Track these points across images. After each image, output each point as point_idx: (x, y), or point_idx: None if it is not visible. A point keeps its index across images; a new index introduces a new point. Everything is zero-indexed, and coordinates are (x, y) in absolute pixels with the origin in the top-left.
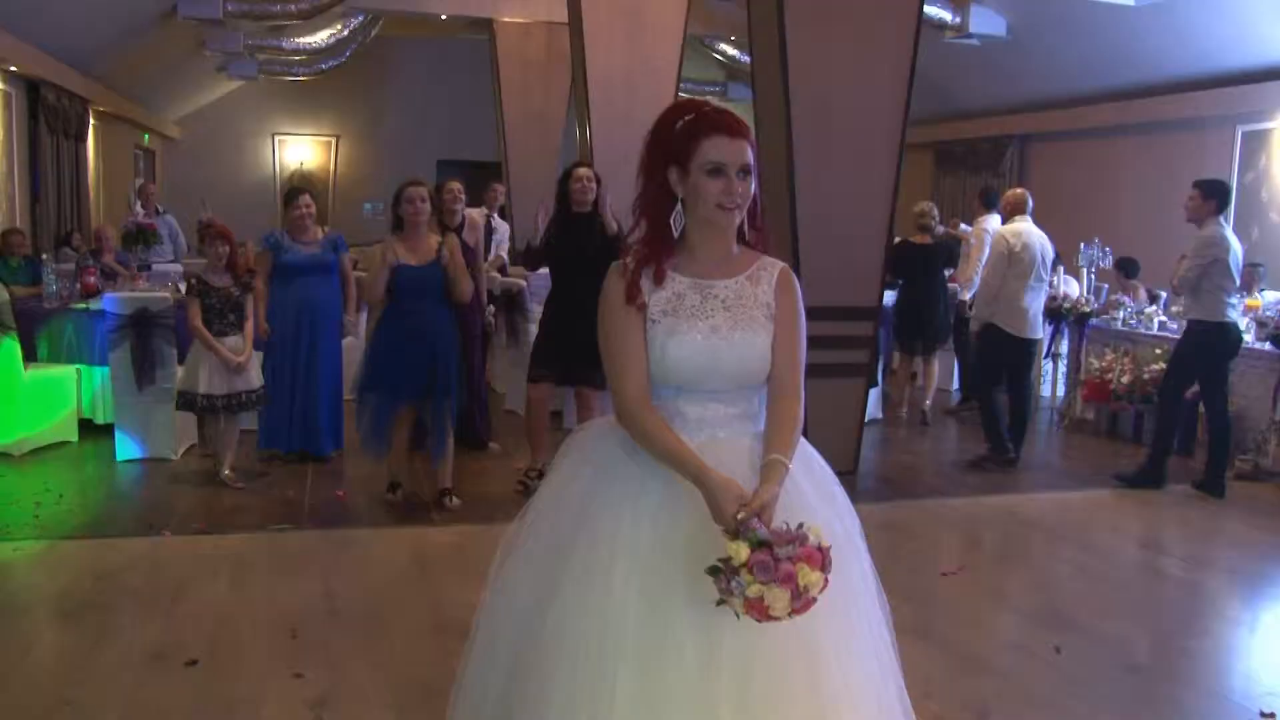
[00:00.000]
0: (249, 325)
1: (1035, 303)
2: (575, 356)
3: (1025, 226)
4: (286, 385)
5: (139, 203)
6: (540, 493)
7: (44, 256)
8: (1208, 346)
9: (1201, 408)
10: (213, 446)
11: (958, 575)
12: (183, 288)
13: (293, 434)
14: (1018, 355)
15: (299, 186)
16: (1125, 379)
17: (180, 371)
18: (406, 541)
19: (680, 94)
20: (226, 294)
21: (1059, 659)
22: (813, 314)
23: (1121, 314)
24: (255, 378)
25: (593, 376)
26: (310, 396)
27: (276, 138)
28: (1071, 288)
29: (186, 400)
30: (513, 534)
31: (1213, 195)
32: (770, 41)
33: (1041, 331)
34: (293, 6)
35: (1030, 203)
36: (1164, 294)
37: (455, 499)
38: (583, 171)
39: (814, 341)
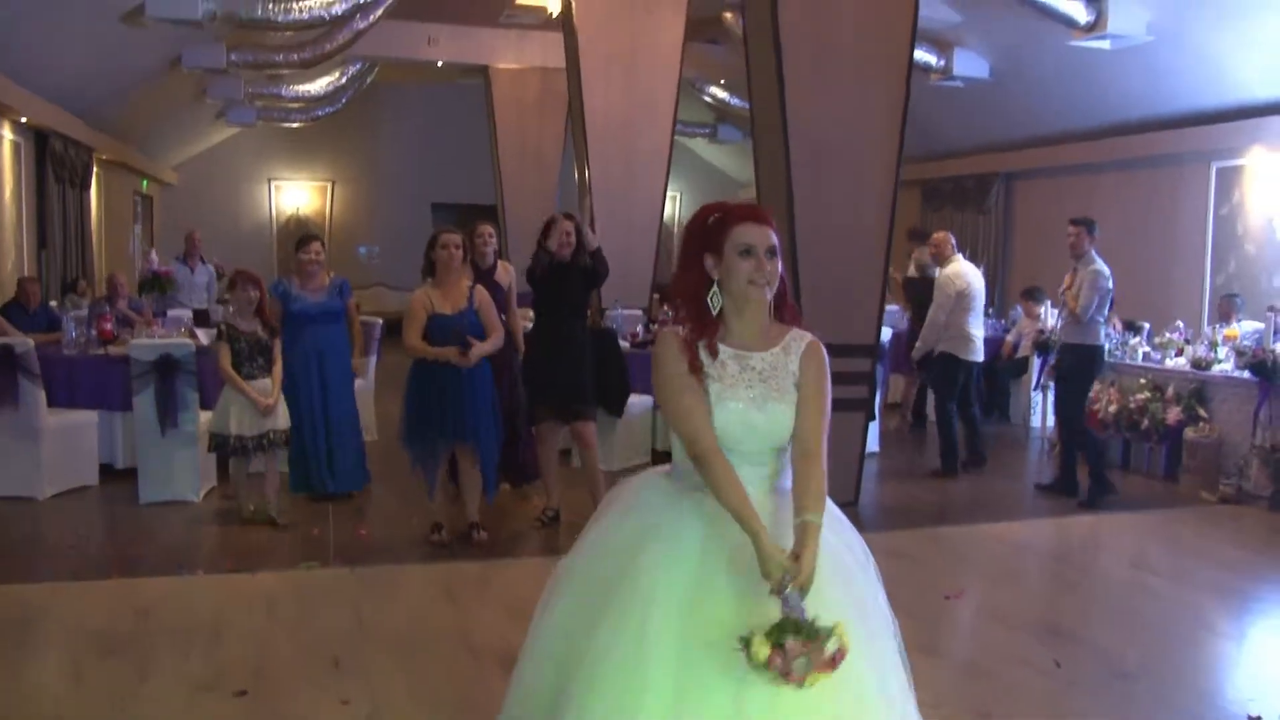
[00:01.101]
0: (276, 368)
1: (980, 330)
2: (567, 393)
3: (965, 267)
4: (305, 431)
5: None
6: (586, 536)
7: (53, 304)
8: (1089, 366)
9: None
10: (237, 488)
11: (960, 598)
12: (200, 333)
13: (317, 477)
14: (969, 377)
15: (311, 234)
16: (1112, 408)
17: (210, 415)
18: (433, 575)
19: (675, 136)
20: (255, 338)
21: (1057, 669)
22: None
23: (1107, 345)
24: (283, 418)
25: (585, 410)
26: (329, 440)
27: (273, 183)
28: (1054, 320)
29: (219, 442)
30: (557, 575)
31: (1092, 232)
32: (769, 87)
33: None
34: (294, 56)
35: (954, 241)
36: (1145, 325)
37: (483, 532)
38: (566, 225)
39: None
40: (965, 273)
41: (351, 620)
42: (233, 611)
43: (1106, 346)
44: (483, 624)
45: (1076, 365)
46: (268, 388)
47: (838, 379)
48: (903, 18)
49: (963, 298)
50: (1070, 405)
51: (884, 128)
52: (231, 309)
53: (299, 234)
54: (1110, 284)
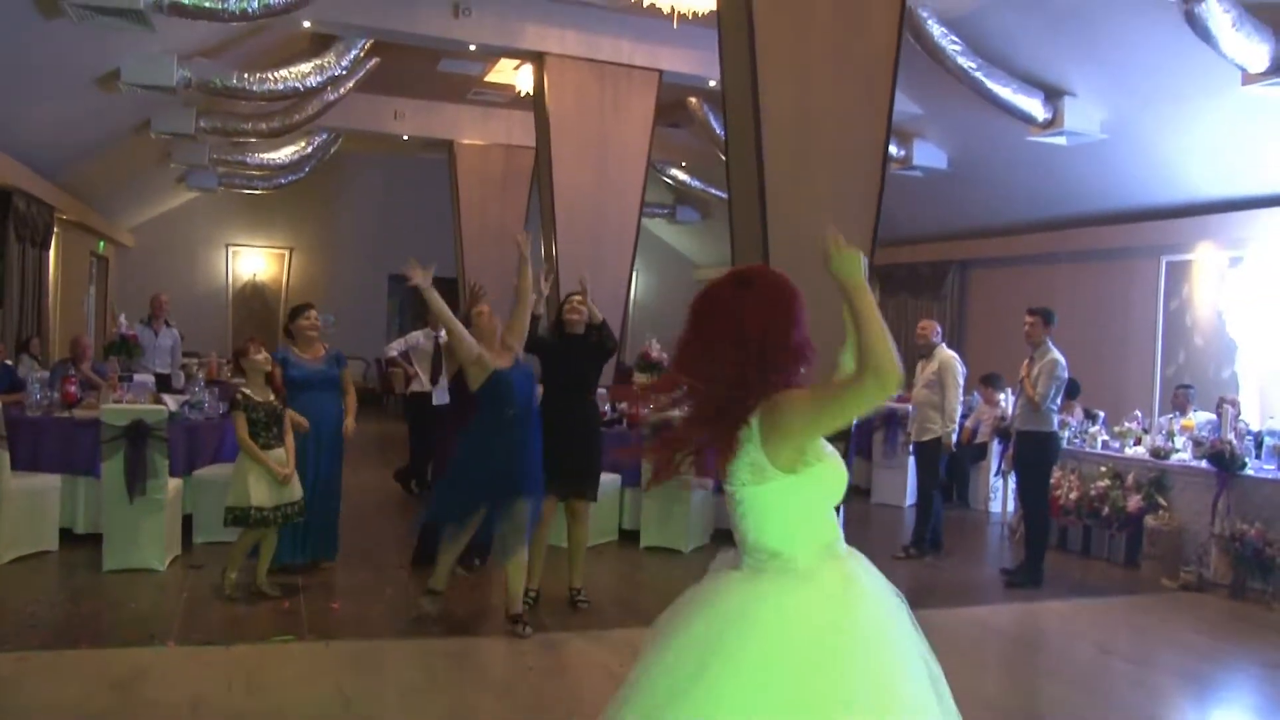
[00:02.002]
0: (289, 438)
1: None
2: (572, 472)
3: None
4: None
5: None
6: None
7: (9, 363)
8: (1048, 452)
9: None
10: (232, 559)
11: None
12: (167, 399)
13: (304, 545)
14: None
15: (306, 303)
16: (1073, 495)
17: (178, 483)
18: (412, 651)
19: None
20: (270, 407)
21: None
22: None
23: (1066, 434)
24: (298, 489)
25: (585, 489)
26: (310, 508)
27: (230, 248)
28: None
29: (239, 515)
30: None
31: (1050, 321)
32: (749, 182)
33: None
34: (263, 125)
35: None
36: (1100, 413)
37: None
38: (577, 301)
39: None
40: (957, 357)
41: (334, 697)
42: (211, 686)
43: (1065, 435)
44: (467, 703)
45: (1036, 452)
46: (283, 457)
47: None
48: (879, 111)
49: (957, 383)
50: (1035, 492)
51: (859, 215)
52: (244, 378)
53: (255, 299)
54: (1066, 373)
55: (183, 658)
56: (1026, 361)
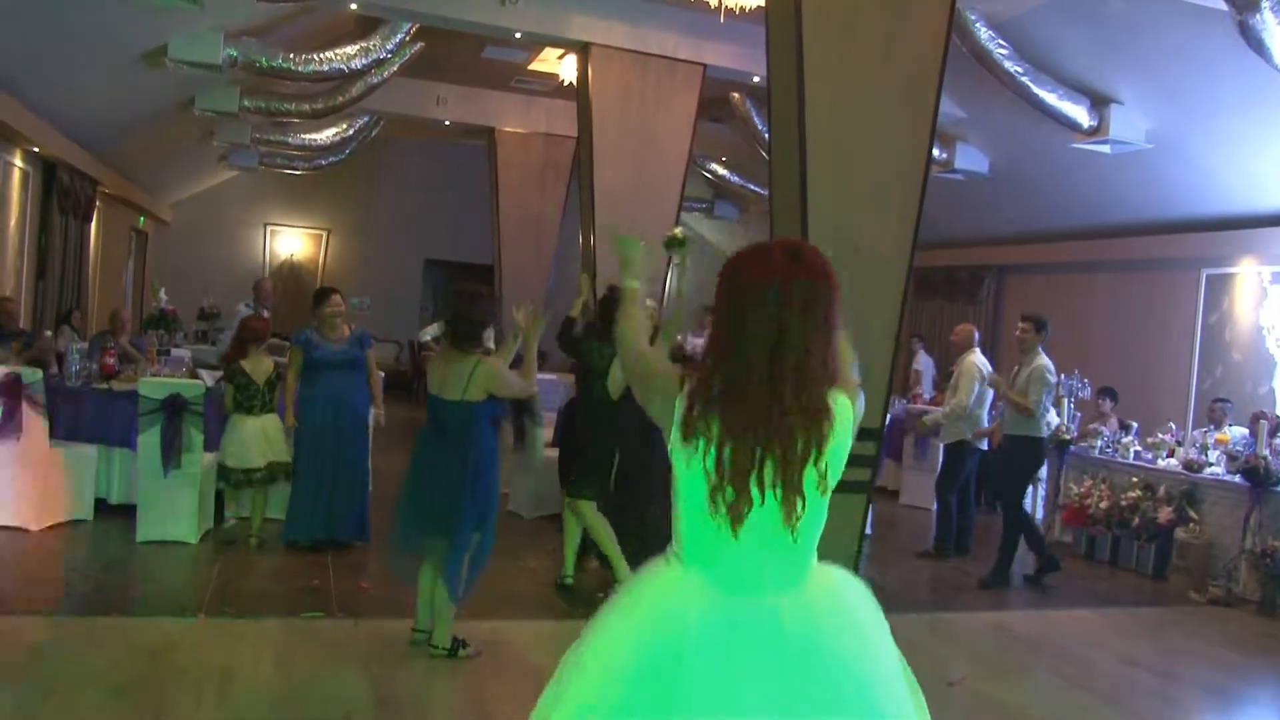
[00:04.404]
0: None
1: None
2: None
3: (983, 358)
4: (315, 478)
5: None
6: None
7: (47, 333)
8: (1038, 456)
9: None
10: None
11: (963, 685)
12: (203, 374)
13: (315, 524)
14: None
15: (329, 287)
16: (1103, 505)
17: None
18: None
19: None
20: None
21: None
22: None
23: (1099, 443)
24: (273, 456)
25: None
26: (337, 488)
27: (268, 228)
28: (1050, 416)
29: (220, 474)
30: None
31: (1042, 328)
32: (790, 179)
33: None
34: (306, 106)
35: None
36: (1134, 424)
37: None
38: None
39: None
40: (985, 361)
41: (362, 676)
42: (241, 659)
43: (1098, 444)
44: (492, 690)
45: (1022, 456)
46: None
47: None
48: (924, 112)
49: (986, 388)
50: (1015, 494)
51: (901, 216)
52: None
53: (291, 279)
54: (1054, 378)
55: (212, 630)
56: (1016, 368)
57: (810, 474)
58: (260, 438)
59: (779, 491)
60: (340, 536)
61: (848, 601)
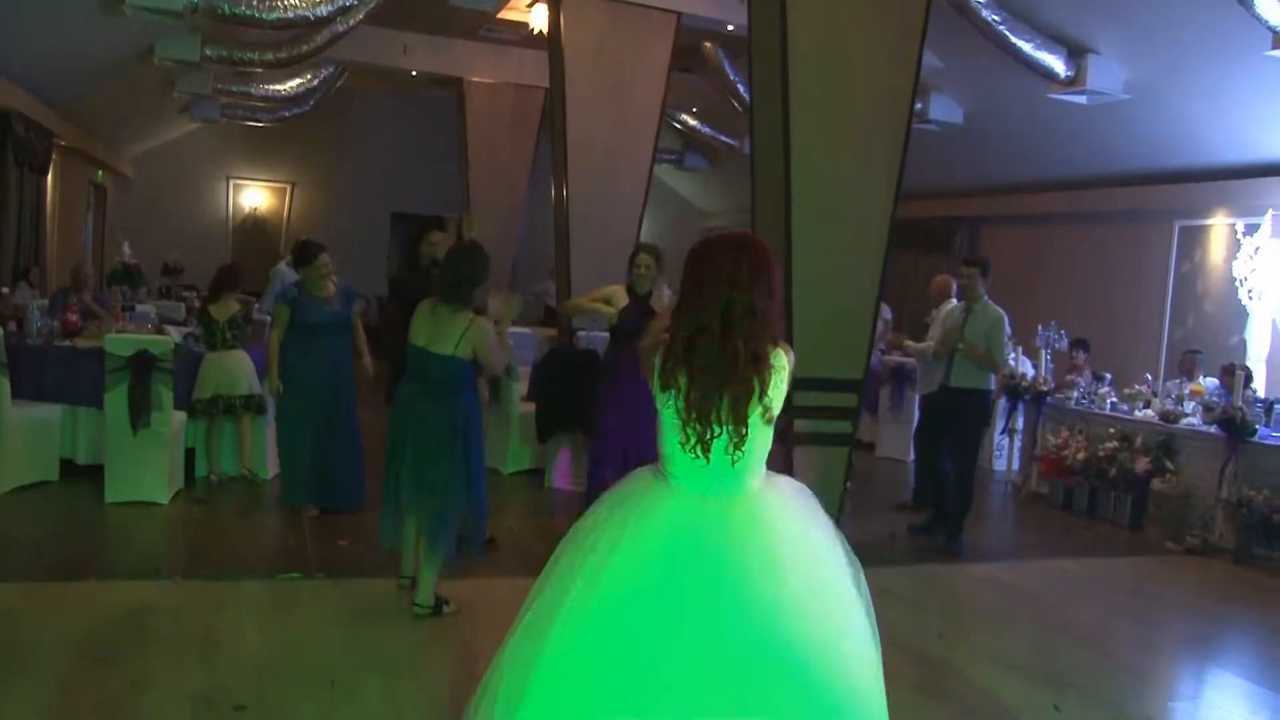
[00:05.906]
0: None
1: None
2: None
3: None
4: (308, 443)
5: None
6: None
7: (4, 290)
8: (988, 409)
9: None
10: (210, 459)
11: (954, 637)
12: (170, 330)
13: (312, 489)
14: None
15: (317, 244)
16: (1080, 456)
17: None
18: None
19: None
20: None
21: (1058, 715)
22: (801, 384)
23: (1075, 394)
24: (255, 384)
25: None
26: (338, 454)
27: (231, 181)
28: (1025, 367)
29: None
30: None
31: (987, 273)
32: (773, 130)
33: None
34: (270, 55)
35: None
36: (1108, 375)
37: None
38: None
39: (801, 411)
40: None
41: (345, 635)
42: (221, 622)
43: (1074, 395)
44: (479, 646)
45: (973, 410)
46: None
47: (823, 413)
48: (908, 60)
49: None
50: (969, 449)
51: (884, 165)
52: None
53: (255, 231)
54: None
55: (191, 593)
56: (964, 316)
57: (755, 409)
58: (216, 370)
59: (731, 424)
60: (343, 504)
61: (789, 496)
